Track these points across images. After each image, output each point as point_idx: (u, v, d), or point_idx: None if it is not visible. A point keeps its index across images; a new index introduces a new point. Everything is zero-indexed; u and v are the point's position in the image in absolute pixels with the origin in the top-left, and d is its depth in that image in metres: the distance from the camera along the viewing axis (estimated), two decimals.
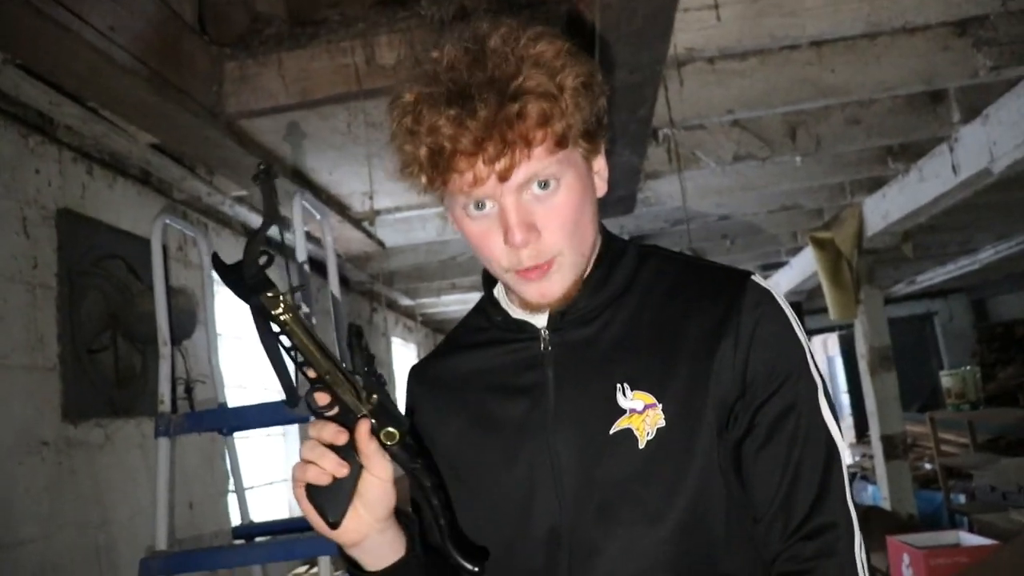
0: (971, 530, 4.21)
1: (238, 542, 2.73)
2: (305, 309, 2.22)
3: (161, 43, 2.12)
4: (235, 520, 2.88)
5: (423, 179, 0.87)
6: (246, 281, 0.85)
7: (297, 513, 3.00)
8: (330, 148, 3.12)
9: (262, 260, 0.86)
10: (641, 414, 0.88)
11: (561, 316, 0.94)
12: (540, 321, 0.96)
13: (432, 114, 0.82)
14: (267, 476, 4.14)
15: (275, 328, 0.85)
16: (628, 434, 0.88)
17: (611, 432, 0.89)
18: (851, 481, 0.89)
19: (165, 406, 2.38)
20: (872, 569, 0.87)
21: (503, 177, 0.83)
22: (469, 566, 0.86)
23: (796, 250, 6.27)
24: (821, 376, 0.90)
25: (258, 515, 3.05)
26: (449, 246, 4.81)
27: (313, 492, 0.85)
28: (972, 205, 4.24)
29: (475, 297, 1.11)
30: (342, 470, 0.84)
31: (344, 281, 4.88)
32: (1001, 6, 2.46)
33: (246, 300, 0.85)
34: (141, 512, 2.74)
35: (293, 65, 2.39)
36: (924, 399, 8.64)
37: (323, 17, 2.40)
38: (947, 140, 3.62)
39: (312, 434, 0.86)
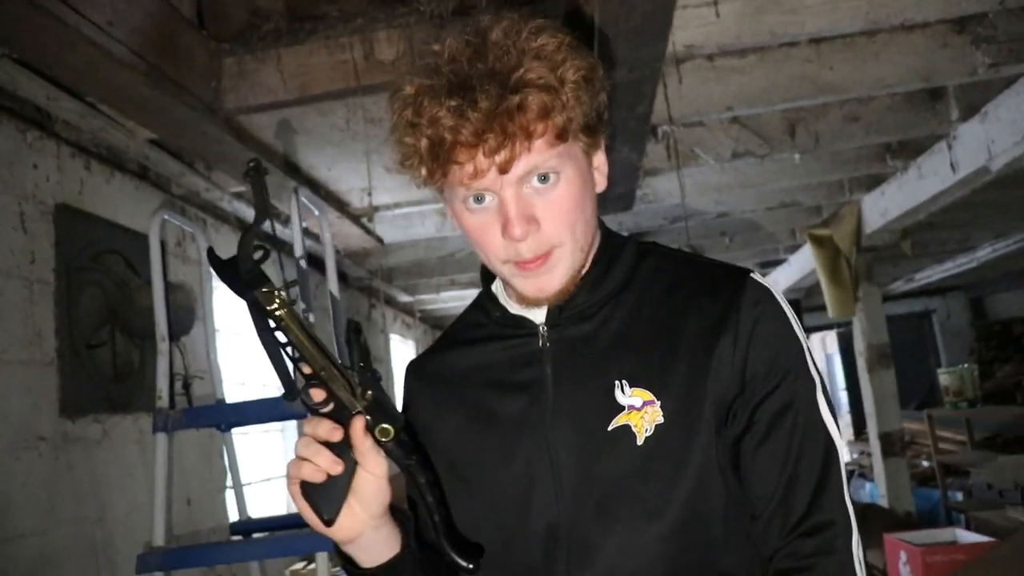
0: (968, 527, 4.22)
1: (236, 538, 2.73)
2: (301, 305, 2.22)
3: (159, 38, 2.11)
4: (233, 516, 2.88)
5: (423, 171, 0.87)
6: (241, 276, 0.85)
7: (295, 509, 2.98)
8: (329, 144, 3.11)
9: (257, 255, 0.86)
10: (640, 411, 0.88)
11: (560, 312, 0.94)
12: (539, 317, 0.95)
13: (433, 105, 0.82)
14: (265, 472, 4.13)
15: (271, 323, 0.85)
16: (627, 431, 0.88)
17: (609, 429, 0.88)
18: (849, 478, 0.89)
19: (163, 402, 2.38)
20: (869, 566, 0.87)
21: (503, 169, 0.83)
22: (464, 563, 0.86)
23: (795, 247, 6.28)
24: (819, 374, 0.90)
25: (256, 511, 3.05)
26: (448, 242, 4.81)
27: (308, 489, 0.85)
28: (970, 203, 4.24)
29: (474, 293, 1.11)
30: (337, 467, 0.84)
31: (343, 277, 4.88)
32: (1000, 4, 2.46)
33: (241, 295, 0.85)
34: (138, 508, 2.74)
35: (291, 61, 2.39)
36: (922, 397, 8.65)
37: (322, 13, 2.40)
38: (946, 138, 3.62)
39: (307, 431, 0.85)
